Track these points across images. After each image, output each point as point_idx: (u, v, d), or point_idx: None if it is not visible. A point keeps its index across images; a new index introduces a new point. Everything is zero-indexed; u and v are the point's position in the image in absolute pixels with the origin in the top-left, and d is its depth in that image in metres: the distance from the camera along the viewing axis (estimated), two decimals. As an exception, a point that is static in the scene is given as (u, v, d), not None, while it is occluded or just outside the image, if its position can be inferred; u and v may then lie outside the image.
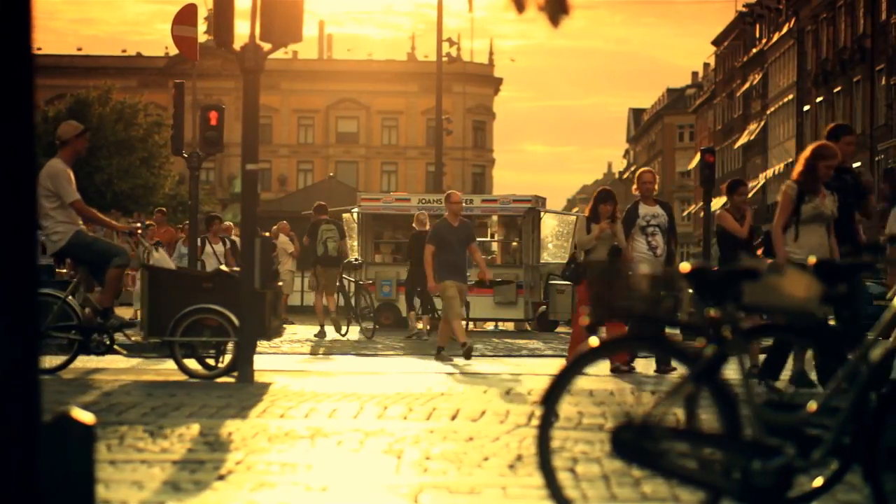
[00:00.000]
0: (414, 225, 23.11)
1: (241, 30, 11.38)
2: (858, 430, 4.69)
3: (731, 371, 4.73)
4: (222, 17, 10.78)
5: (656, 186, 14.58)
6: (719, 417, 4.68)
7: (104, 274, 11.87)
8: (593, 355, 4.90)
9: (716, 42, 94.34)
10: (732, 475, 4.65)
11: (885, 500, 4.58)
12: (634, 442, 4.70)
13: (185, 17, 18.58)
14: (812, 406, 4.83)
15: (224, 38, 10.83)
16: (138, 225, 12.10)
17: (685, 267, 4.82)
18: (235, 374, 11.26)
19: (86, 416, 4.27)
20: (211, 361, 11.79)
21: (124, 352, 12.57)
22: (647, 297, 4.89)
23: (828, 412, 4.82)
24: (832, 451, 4.76)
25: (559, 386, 4.89)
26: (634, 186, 14.50)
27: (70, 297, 12.02)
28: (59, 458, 4.23)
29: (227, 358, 11.70)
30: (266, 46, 10.72)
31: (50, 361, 12.09)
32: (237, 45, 10.93)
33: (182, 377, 11.41)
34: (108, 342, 11.96)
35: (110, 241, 12.20)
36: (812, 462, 4.71)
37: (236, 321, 11.33)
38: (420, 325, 22.24)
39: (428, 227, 23.12)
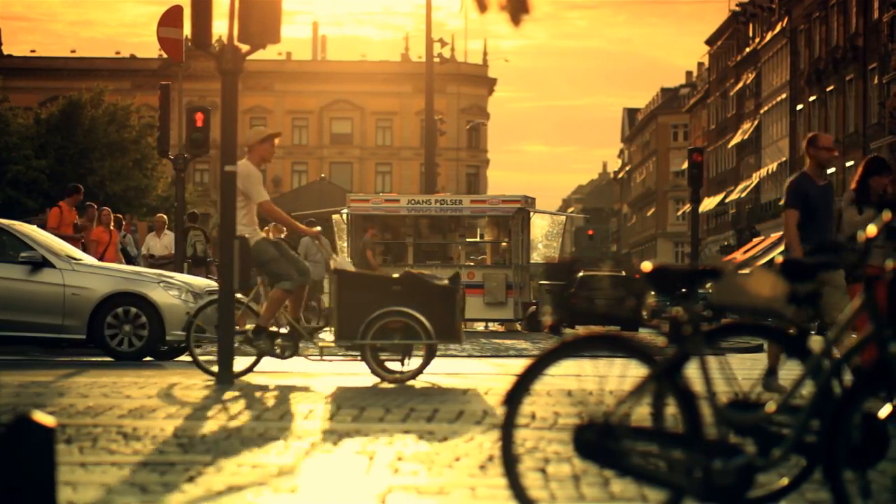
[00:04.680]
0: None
1: (223, 31, 11.39)
2: (821, 428, 4.69)
3: (693, 370, 4.74)
4: (200, 18, 10.78)
5: None
6: (680, 417, 4.69)
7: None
8: (556, 355, 4.89)
9: (709, 41, 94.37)
10: (694, 474, 4.65)
11: (847, 499, 4.57)
12: (596, 441, 4.70)
13: (171, 19, 18.59)
14: (771, 407, 4.83)
15: (202, 39, 10.83)
16: (318, 228, 12.02)
17: (646, 266, 4.82)
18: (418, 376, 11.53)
19: (46, 419, 4.26)
20: (392, 365, 11.68)
21: (315, 357, 12.39)
22: (610, 297, 4.90)
23: (789, 410, 4.82)
24: (794, 448, 4.76)
25: (522, 386, 4.89)
26: None
27: (253, 302, 12.01)
28: (17, 460, 4.22)
29: (415, 360, 11.66)
30: (244, 48, 10.72)
31: (235, 364, 12.01)
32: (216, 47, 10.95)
33: (163, 379, 11.40)
34: (293, 346, 11.87)
35: (288, 266, 12.07)
36: (772, 460, 4.71)
37: (427, 324, 11.32)
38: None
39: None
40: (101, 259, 19.78)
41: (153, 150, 50.92)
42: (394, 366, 11.63)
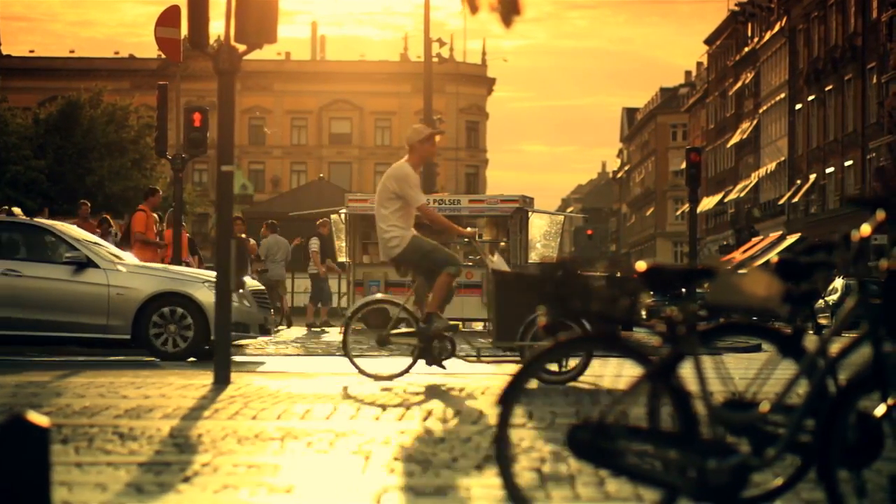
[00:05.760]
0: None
1: (221, 31, 11.36)
2: (816, 427, 4.69)
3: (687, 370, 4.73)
4: (196, 18, 10.77)
5: None
6: (675, 416, 4.68)
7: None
8: (549, 355, 4.89)
9: (708, 41, 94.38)
10: (688, 474, 4.65)
11: (842, 498, 4.57)
12: (591, 441, 4.69)
13: (169, 19, 18.57)
14: (765, 406, 4.83)
15: (198, 39, 10.82)
16: (474, 230, 11.95)
17: (641, 266, 4.82)
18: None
19: (40, 419, 4.25)
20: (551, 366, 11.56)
21: (473, 358, 12.29)
22: (604, 297, 4.89)
23: (783, 410, 4.82)
24: (789, 448, 4.76)
25: (517, 386, 4.88)
26: None
27: (409, 304, 11.98)
28: (11, 460, 4.21)
29: (573, 361, 11.39)
30: (241, 48, 10.71)
31: (391, 367, 11.98)
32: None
33: (160, 379, 11.40)
34: (449, 348, 11.74)
35: (448, 250, 11.95)
36: (767, 460, 4.71)
37: (587, 324, 11.09)
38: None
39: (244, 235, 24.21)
40: (170, 261, 19.79)
41: (152, 150, 50.93)
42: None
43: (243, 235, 21.25)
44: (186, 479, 5.92)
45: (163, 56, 22.80)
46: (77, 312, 15.13)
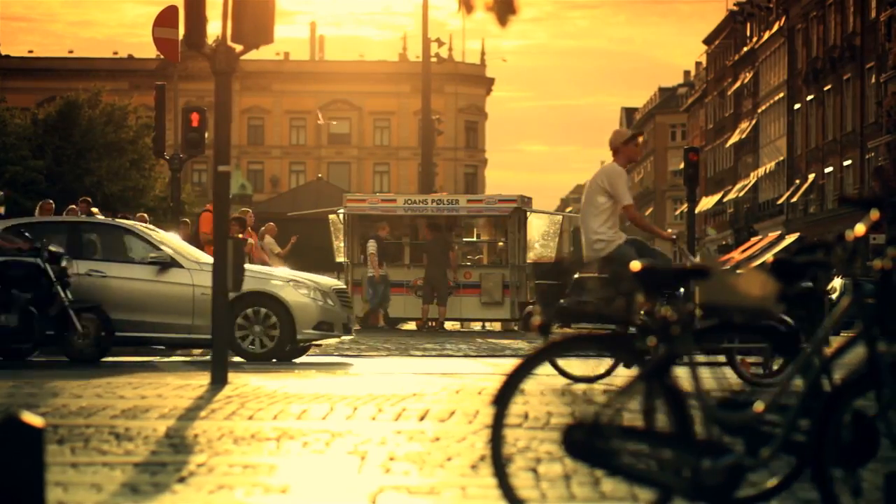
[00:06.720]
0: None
1: (217, 32, 11.37)
2: (810, 427, 4.69)
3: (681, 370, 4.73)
4: (193, 18, 10.77)
5: None
6: (669, 416, 4.68)
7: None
8: (545, 355, 4.89)
9: (707, 41, 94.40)
10: (683, 474, 4.65)
11: (836, 498, 4.57)
12: (585, 441, 4.69)
13: (167, 20, 18.59)
14: (760, 406, 4.82)
15: (195, 39, 10.83)
16: (675, 231, 11.92)
17: (635, 266, 4.82)
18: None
19: (34, 419, 4.25)
20: (756, 370, 11.28)
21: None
22: (599, 297, 4.90)
23: (778, 409, 4.81)
24: (783, 448, 4.75)
25: (511, 386, 4.88)
26: None
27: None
28: (5, 461, 4.21)
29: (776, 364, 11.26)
30: (238, 48, 10.71)
31: (593, 368, 11.92)
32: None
33: (158, 380, 11.40)
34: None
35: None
36: (761, 460, 4.70)
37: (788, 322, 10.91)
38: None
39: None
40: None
41: (150, 150, 50.88)
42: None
43: (241, 236, 21.26)
44: (182, 480, 5.92)
45: (161, 56, 22.83)
46: (163, 313, 15.01)
